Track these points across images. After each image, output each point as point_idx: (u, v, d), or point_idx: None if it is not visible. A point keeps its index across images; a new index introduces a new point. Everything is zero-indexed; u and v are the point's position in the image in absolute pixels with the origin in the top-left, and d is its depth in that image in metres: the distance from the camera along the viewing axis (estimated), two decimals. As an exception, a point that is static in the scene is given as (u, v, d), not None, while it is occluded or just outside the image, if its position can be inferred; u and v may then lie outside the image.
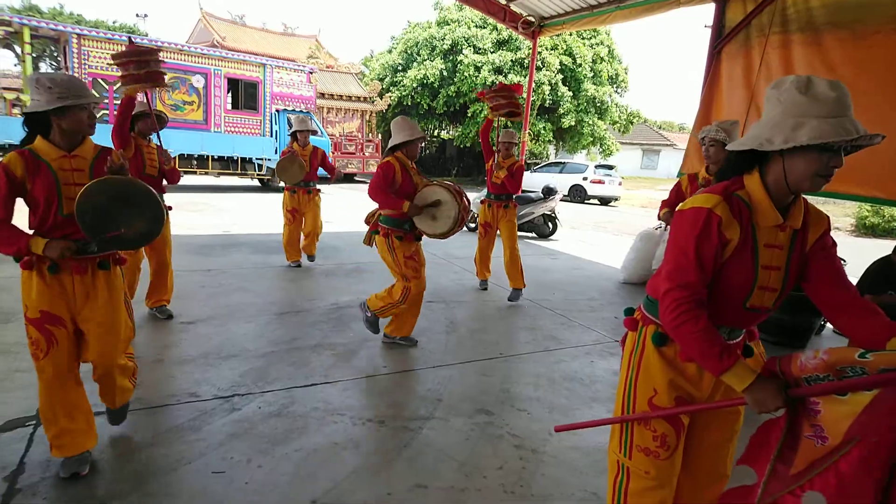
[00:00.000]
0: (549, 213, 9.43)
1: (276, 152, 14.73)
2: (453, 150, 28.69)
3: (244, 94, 14.59)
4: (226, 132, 14.14)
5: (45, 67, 30.49)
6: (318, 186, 6.12)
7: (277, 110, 14.84)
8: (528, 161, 22.50)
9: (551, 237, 9.77)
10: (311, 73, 15.77)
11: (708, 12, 6.66)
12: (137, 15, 34.52)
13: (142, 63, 3.64)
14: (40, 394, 2.26)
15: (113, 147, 3.84)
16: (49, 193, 2.11)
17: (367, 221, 3.98)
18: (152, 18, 54.23)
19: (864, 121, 1.40)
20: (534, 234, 9.78)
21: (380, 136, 24.84)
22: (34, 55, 13.46)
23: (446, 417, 2.99)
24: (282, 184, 6.02)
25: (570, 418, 3.09)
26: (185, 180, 15.21)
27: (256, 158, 14.56)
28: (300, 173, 5.80)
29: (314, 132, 6.15)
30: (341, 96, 21.80)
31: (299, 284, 5.58)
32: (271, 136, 14.80)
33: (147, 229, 2.27)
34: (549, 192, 9.25)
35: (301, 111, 15.30)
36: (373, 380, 3.43)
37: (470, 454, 2.65)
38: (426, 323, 4.54)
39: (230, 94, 14.69)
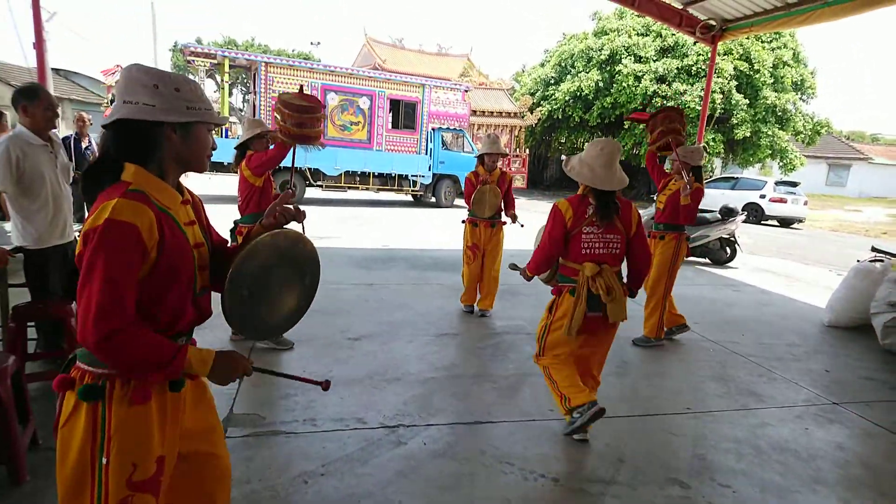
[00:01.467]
0: (727, 236, 8.36)
1: (429, 169, 15.28)
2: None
3: (403, 114, 15.29)
4: (386, 150, 14.97)
5: (237, 94, 35.08)
6: (504, 218, 5.12)
7: (433, 128, 15.32)
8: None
9: (729, 265, 8.66)
10: (466, 91, 16.16)
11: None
12: (312, 43, 38.52)
13: (300, 122, 3.47)
14: None
15: None
16: (186, 264, 1.35)
17: None
18: (324, 45, 60.34)
19: None
20: (708, 260, 8.74)
21: (527, 150, 24.70)
22: (230, 83, 15.42)
23: (632, 484, 2.57)
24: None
25: (788, 503, 2.49)
26: (348, 195, 16.35)
27: (412, 175, 15.21)
28: (495, 201, 4.90)
29: (504, 154, 5.17)
30: (492, 112, 22.01)
31: (454, 305, 5.47)
32: (426, 153, 15.40)
33: (298, 305, 1.61)
34: (728, 212, 8.20)
35: (455, 129, 15.72)
36: (540, 425, 3.12)
37: (667, 539, 2.21)
38: (594, 360, 4.12)
39: (391, 114, 15.51)
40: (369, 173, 14.80)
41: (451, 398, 3.39)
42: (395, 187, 15.29)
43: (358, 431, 2.90)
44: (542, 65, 25.54)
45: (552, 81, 23.17)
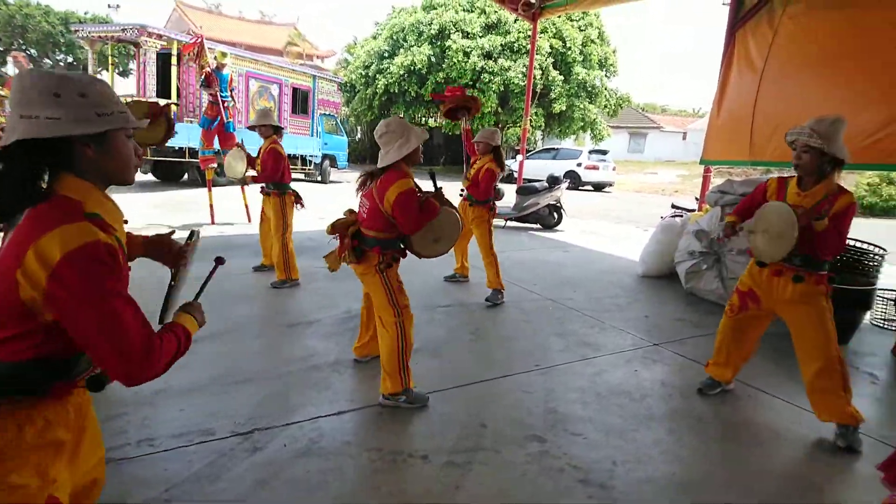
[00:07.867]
0: (554, 202, 9.13)
1: (319, 150, 17.13)
2: (441, 139, 28.23)
3: (301, 101, 16.76)
4: (289, 133, 15.44)
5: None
6: (287, 187, 5.36)
7: (321, 114, 17.26)
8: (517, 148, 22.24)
9: (557, 228, 9.48)
10: (339, 83, 18.54)
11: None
12: (109, 6, 32.83)
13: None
14: None
15: None
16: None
17: (334, 231, 3.07)
18: (125, 8, 52.10)
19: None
20: (539, 226, 9.48)
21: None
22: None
23: (496, 448, 2.67)
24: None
25: (628, 442, 2.80)
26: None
27: (308, 155, 16.68)
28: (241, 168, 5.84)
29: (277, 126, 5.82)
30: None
31: (306, 291, 5.21)
32: (316, 135, 17.27)
33: None
34: (554, 181, 8.94)
35: (332, 115, 17.94)
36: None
37: (533, 494, 2.34)
38: (448, 333, 4.22)
39: (292, 101, 16.60)
40: None
41: (310, 390, 3.21)
42: (299, 167, 16.33)
43: (205, 445, 2.59)
44: (375, 37, 25.17)
45: (386, 55, 22.99)
